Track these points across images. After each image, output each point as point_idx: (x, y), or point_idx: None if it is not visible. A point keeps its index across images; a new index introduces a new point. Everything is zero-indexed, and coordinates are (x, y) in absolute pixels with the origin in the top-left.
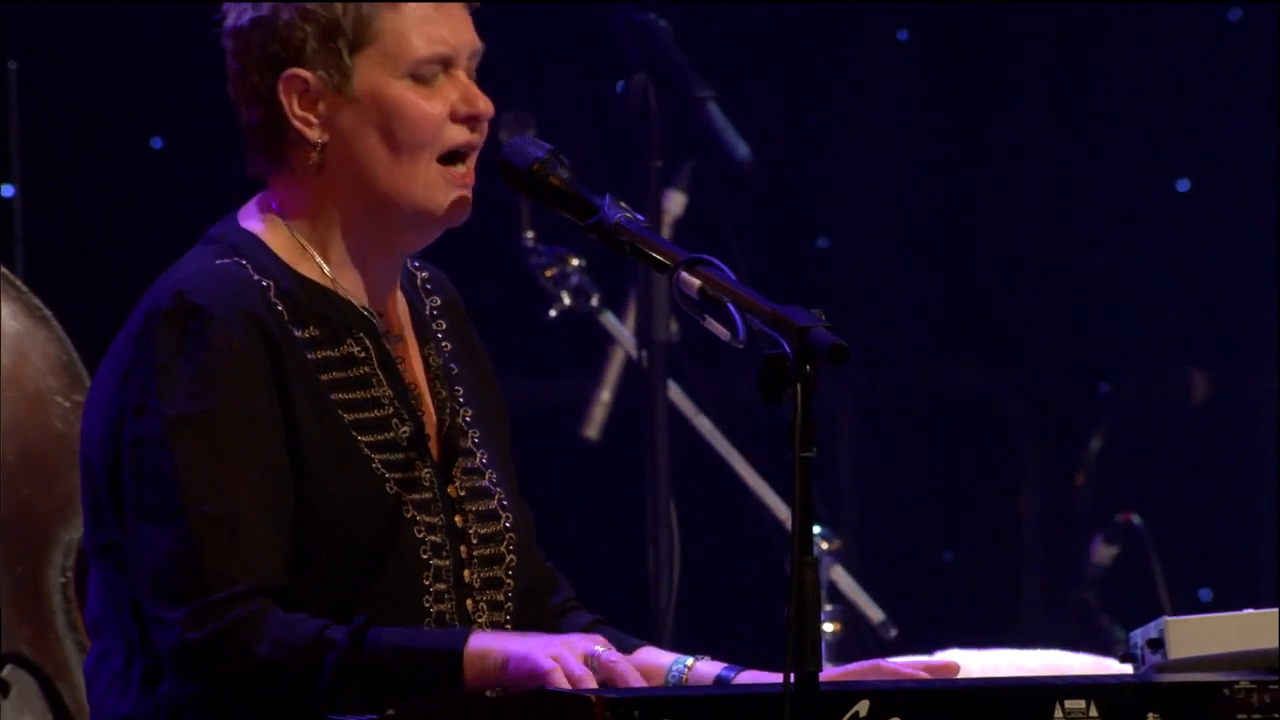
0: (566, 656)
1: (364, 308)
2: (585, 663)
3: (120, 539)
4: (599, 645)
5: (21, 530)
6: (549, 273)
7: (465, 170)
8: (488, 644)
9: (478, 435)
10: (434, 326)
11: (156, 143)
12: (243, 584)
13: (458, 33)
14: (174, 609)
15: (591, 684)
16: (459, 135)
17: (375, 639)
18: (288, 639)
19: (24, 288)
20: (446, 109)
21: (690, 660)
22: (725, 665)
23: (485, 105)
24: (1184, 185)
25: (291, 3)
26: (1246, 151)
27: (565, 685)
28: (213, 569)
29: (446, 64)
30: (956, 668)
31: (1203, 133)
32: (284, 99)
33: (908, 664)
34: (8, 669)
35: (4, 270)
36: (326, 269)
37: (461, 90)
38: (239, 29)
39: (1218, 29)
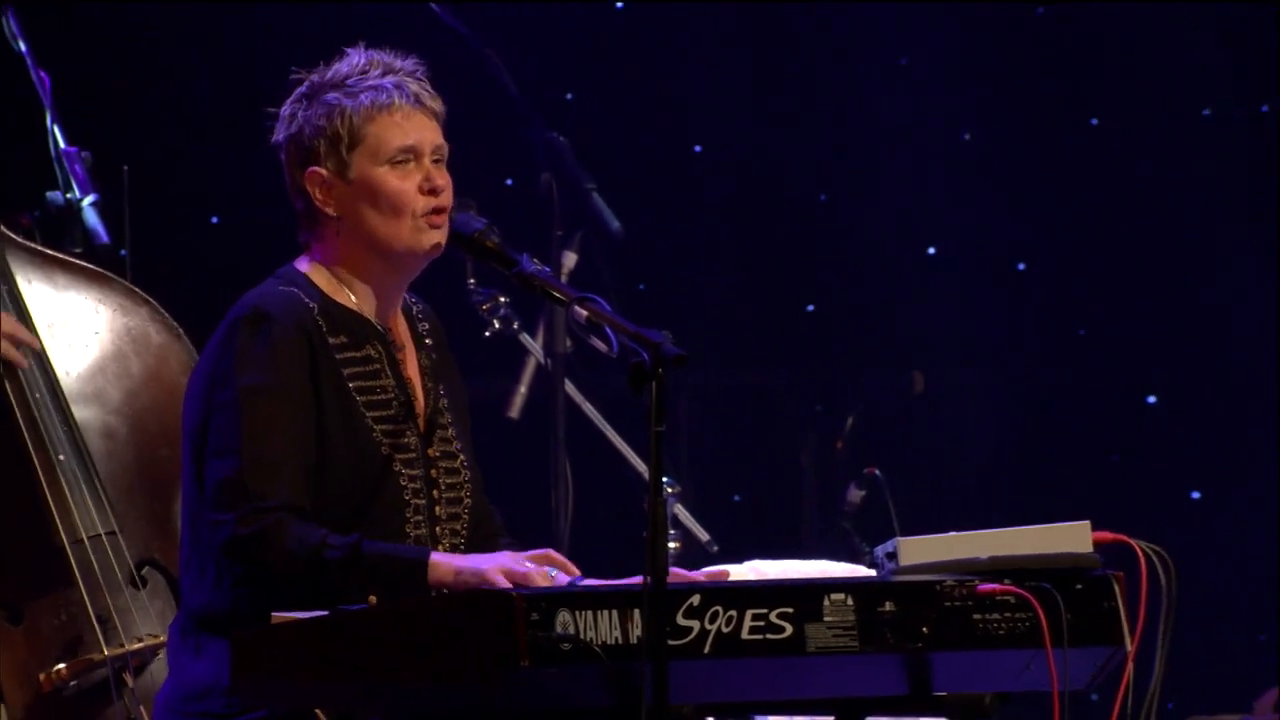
0: (506, 566)
1: (379, 325)
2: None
3: (202, 475)
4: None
5: (158, 477)
6: (485, 306)
7: (439, 217)
8: (444, 558)
9: (450, 417)
10: (425, 342)
11: (214, 219)
12: (276, 499)
13: (421, 134)
14: (228, 513)
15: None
16: (426, 203)
17: (365, 546)
18: (306, 539)
19: (165, 312)
20: (415, 185)
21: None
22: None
23: (441, 181)
24: (933, 250)
25: (310, 123)
26: (979, 216)
27: (502, 584)
28: (257, 488)
29: (415, 155)
30: (727, 574)
31: (940, 206)
32: (309, 189)
33: (694, 572)
34: (146, 569)
35: (151, 300)
36: (354, 298)
37: (425, 172)
38: (279, 144)
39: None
